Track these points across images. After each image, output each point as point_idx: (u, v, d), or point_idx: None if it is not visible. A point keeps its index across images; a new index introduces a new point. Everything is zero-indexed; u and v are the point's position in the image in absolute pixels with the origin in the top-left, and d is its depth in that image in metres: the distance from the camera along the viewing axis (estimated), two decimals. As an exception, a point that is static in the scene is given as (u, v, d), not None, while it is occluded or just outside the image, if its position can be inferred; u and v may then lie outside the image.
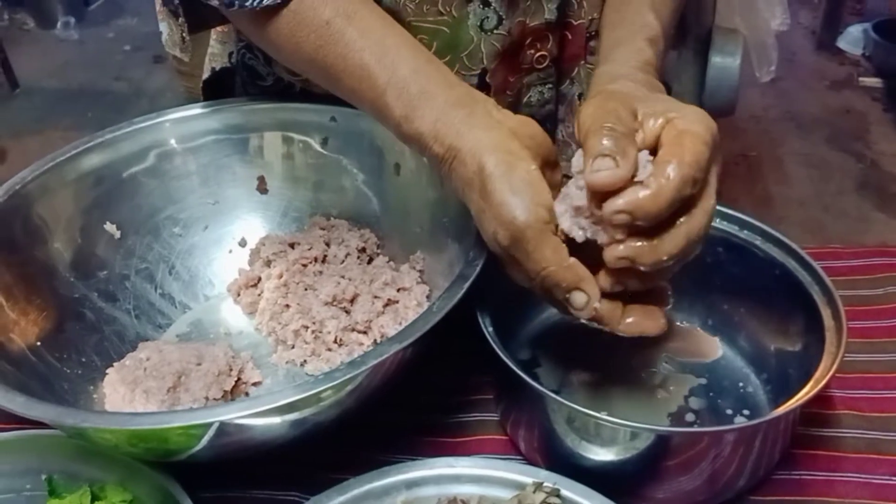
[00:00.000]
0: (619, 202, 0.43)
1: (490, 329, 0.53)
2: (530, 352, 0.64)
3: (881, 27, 2.56)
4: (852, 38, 2.73)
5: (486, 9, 0.62)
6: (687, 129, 0.45)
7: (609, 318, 0.48)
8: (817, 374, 0.49)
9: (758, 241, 0.59)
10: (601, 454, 0.50)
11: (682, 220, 0.45)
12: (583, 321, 0.49)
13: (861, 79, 2.62)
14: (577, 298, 0.46)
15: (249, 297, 0.68)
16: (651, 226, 0.44)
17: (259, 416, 0.47)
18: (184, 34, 0.62)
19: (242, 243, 0.72)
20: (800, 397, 0.48)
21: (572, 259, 0.46)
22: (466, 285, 0.50)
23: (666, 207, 0.43)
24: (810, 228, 1.99)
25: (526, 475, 0.50)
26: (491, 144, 0.48)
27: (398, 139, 0.53)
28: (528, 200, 0.46)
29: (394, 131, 0.52)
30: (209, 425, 0.46)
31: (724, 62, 1.57)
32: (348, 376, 0.46)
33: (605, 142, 0.44)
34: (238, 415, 0.46)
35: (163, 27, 0.66)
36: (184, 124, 0.68)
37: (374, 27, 0.53)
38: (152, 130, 0.67)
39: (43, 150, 0.66)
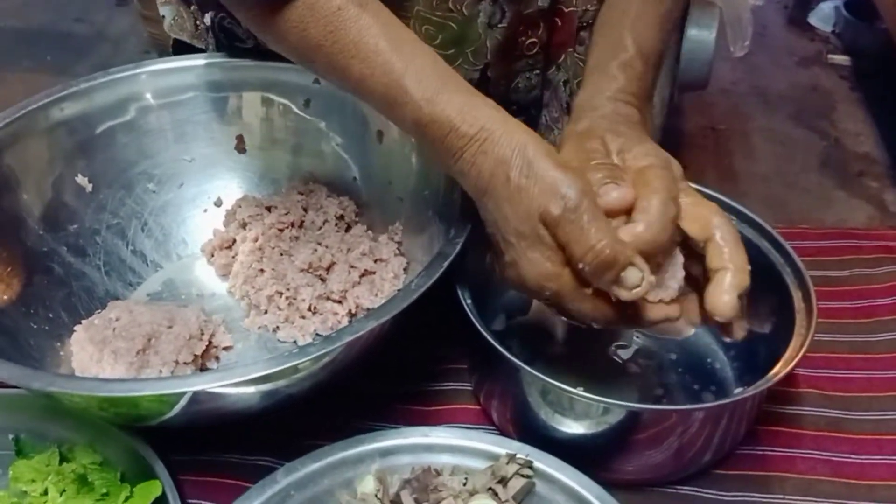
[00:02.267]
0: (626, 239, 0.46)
1: (468, 301, 0.53)
2: (504, 324, 0.64)
3: (852, 5, 2.58)
4: (823, 15, 2.75)
5: (494, 5, 0.62)
6: (646, 166, 0.48)
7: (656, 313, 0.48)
8: (786, 355, 0.51)
9: (732, 221, 0.60)
10: (573, 427, 0.51)
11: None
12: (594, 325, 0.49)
13: (830, 56, 2.64)
14: (632, 275, 0.45)
15: (223, 258, 0.67)
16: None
17: (232, 387, 0.47)
18: (197, 21, 0.60)
19: (218, 203, 0.70)
20: (768, 378, 0.49)
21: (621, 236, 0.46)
22: (446, 263, 0.50)
23: (665, 232, 0.46)
24: (772, 205, 2.02)
25: (499, 446, 0.51)
26: (526, 128, 0.47)
27: (409, 128, 0.50)
28: (577, 175, 0.46)
29: (409, 117, 0.49)
30: (182, 394, 0.46)
31: (699, 35, 1.57)
32: (324, 351, 0.46)
33: (599, 174, 0.47)
34: (211, 385, 0.45)
35: (164, 11, 0.65)
36: (161, 78, 0.66)
37: (388, 17, 0.50)
38: (128, 82, 0.66)
39: (1, 93, 0.64)
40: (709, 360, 0.61)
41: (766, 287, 0.57)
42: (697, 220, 0.48)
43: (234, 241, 0.67)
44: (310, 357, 0.46)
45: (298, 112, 0.69)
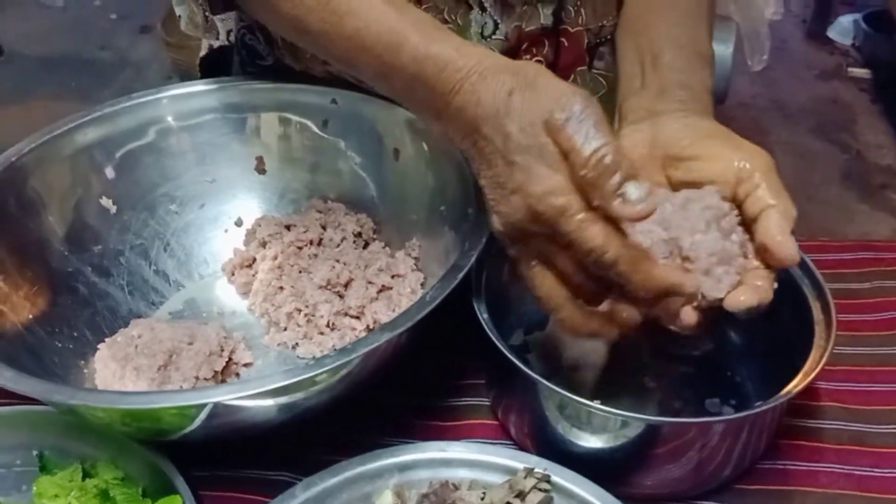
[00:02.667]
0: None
1: (485, 315, 0.53)
2: (522, 338, 0.64)
3: (872, 18, 2.57)
4: (842, 29, 2.74)
5: (484, 14, 0.62)
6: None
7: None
8: (806, 368, 0.50)
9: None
10: (591, 441, 0.51)
11: None
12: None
13: (850, 69, 2.63)
14: (634, 188, 0.42)
15: (244, 277, 0.68)
16: None
17: (252, 399, 0.47)
18: (206, 13, 0.62)
19: (239, 223, 0.71)
20: (788, 390, 0.49)
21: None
22: (461, 275, 0.51)
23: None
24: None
25: (517, 460, 0.51)
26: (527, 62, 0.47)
27: (405, 73, 0.49)
28: (583, 90, 0.45)
29: (406, 56, 0.48)
30: (202, 406, 0.47)
31: (717, 49, 1.57)
32: (339, 363, 0.47)
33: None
34: (231, 396, 0.46)
35: (180, 10, 0.66)
36: (182, 101, 0.68)
37: None
38: (150, 106, 0.67)
39: (25, 119, 0.66)
40: (728, 373, 0.61)
41: (785, 300, 0.57)
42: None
43: (255, 259, 0.68)
44: (326, 369, 0.47)
45: (317, 132, 0.70)
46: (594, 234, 0.44)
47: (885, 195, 2.26)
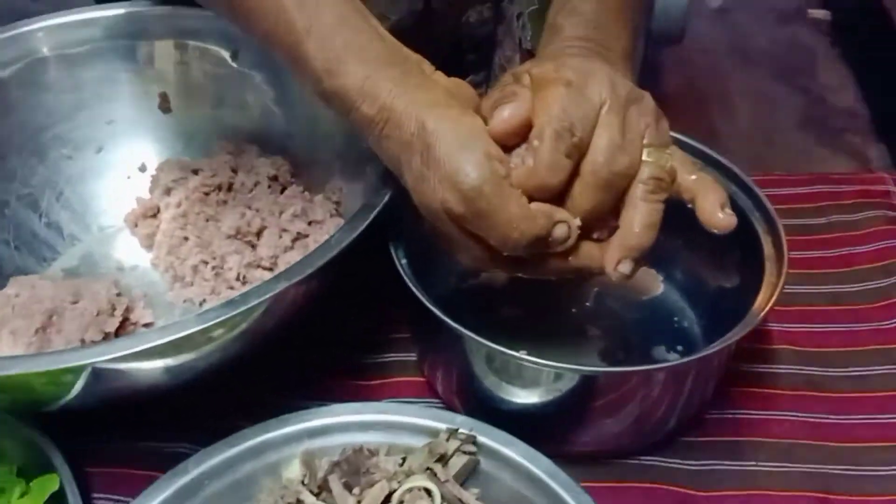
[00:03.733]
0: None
1: (404, 261, 0.48)
2: (454, 287, 0.59)
3: (831, -43, 2.51)
4: (802, -31, 2.68)
5: None
6: (543, 78, 0.42)
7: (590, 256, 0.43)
8: (755, 307, 0.46)
9: (697, 165, 0.54)
10: (522, 397, 0.46)
11: (586, 167, 0.41)
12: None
13: (810, 11, 2.58)
14: (560, 231, 0.41)
15: (147, 228, 0.61)
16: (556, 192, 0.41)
17: (135, 360, 0.41)
18: None
19: (142, 168, 0.64)
20: (735, 332, 0.44)
21: (533, 203, 0.41)
22: (371, 216, 0.45)
23: (552, 173, 0.40)
24: (754, 162, 1.97)
25: (440, 421, 0.45)
26: (430, 101, 0.41)
27: (317, 96, 0.45)
28: (479, 154, 0.39)
29: (312, 87, 0.44)
30: (78, 371, 0.41)
31: (672, -13, 1.51)
32: (231, 314, 0.41)
33: (492, 99, 0.43)
34: (107, 358, 0.40)
35: None
36: (63, 32, 0.60)
37: None
38: (26, 38, 0.59)
39: None
40: (675, 318, 0.56)
41: (734, 235, 0.52)
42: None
43: (159, 209, 0.61)
44: (215, 321, 0.41)
45: (227, 64, 0.62)
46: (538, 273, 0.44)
47: (844, 138, 2.24)
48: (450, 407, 0.51)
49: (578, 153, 0.41)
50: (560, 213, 0.41)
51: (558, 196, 0.41)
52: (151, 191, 0.63)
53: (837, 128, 2.31)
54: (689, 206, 0.44)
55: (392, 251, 0.48)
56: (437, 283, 0.58)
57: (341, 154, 0.60)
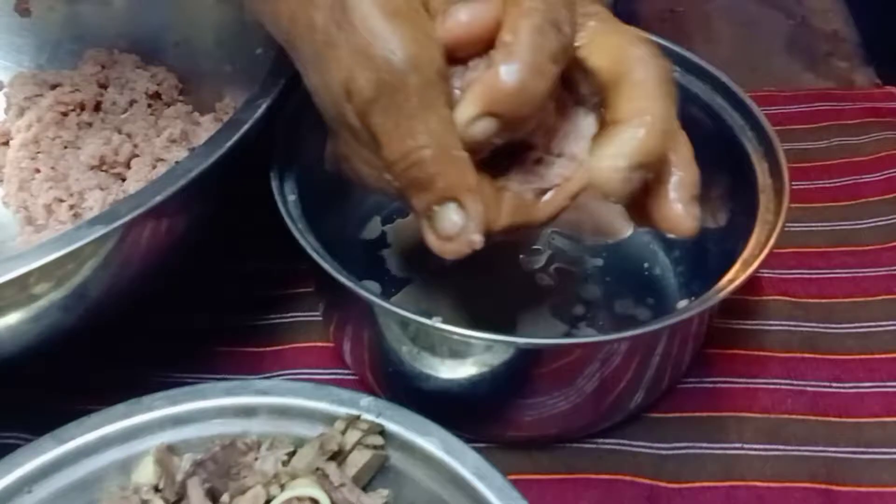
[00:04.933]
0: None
1: (292, 197, 0.37)
2: (379, 227, 0.48)
3: None
4: None
5: None
6: None
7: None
8: (747, 252, 0.35)
9: (675, 74, 0.43)
10: (447, 372, 0.36)
11: None
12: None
13: (796, -72, 2.44)
14: (448, 218, 0.29)
15: (0, 159, 0.50)
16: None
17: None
18: None
19: (-1, 86, 0.53)
20: (721, 287, 0.34)
21: (462, 152, 0.29)
22: (236, 136, 0.34)
23: (533, 81, 0.28)
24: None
25: (340, 404, 0.35)
26: None
27: None
28: (416, 30, 0.28)
29: None
30: None
31: None
32: (53, 257, 0.30)
33: None
34: None
35: None
36: None
37: None
38: None
39: None
40: (645, 265, 0.46)
41: (720, 160, 0.41)
42: (605, 52, 0.31)
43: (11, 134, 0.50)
44: (24, 271, 0.30)
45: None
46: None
47: (830, 63, 2.13)
48: (361, 382, 0.41)
49: (564, 62, 0.29)
50: (471, 198, 0.29)
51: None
52: (7, 112, 0.51)
53: (823, 52, 2.20)
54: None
55: (274, 183, 0.36)
56: (352, 222, 0.48)
57: (236, 61, 0.48)
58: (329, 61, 0.29)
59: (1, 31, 0.52)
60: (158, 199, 0.31)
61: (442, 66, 0.29)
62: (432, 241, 0.30)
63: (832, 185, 0.51)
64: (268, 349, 0.43)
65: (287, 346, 0.43)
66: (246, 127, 0.34)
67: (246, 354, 0.42)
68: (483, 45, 0.29)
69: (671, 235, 0.32)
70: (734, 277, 0.34)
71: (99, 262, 0.33)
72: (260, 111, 0.35)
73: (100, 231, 0.31)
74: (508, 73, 0.27)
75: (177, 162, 0.42)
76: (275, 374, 0.41)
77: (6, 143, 0.50)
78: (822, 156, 0.53)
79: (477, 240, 0.29)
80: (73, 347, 0.37)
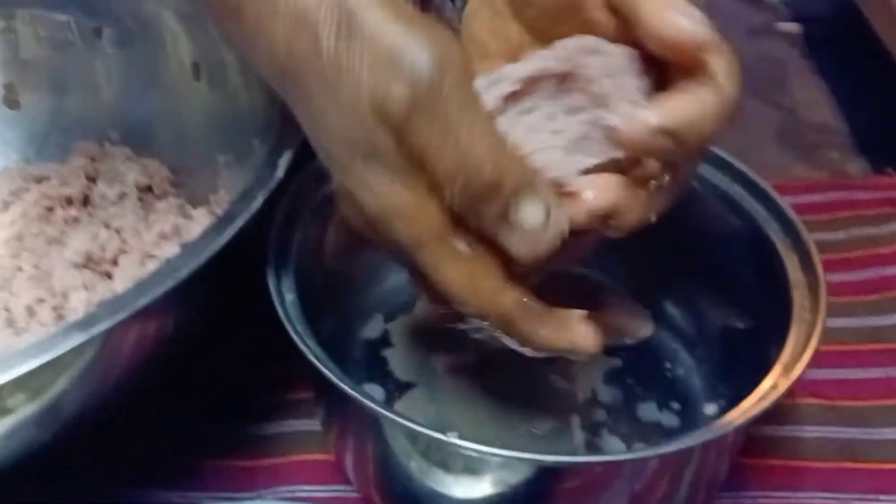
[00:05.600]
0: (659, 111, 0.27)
1: (290, 296, 0.34)
2: (381, 325, 0.45)
3: (800, -31, 2.45)
4: (770, -18, 2.63)
5: None
6: None
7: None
8: (786, 354, 0.32)
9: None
10: (460, 492, 0.32)
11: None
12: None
13: (778, 24, 2.52)
14: (530, 211, 0.26)
15: (-19, 256, 0.47)
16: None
17: None
18: None
19: (-16, 180, 0.50)
20: (764, 394, 0.31)
21: (510, 145, 0.27)
22: (231, 232, 0.31)
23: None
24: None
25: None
26: None
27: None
28: (436, 32, 0.26)
29: None
30: None
31: None
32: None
33: None
34: None
35: None
36: None
37: None
38: None
39: None
40: (667, 364, 0.43)
41: (744, 254, 0.39)
42: None
43: (-5, 229, 0.47)
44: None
45: (86, 40, 0.49)
46: (454, 279, 0.28)
47: (821, 153, 2.15)
48: (366, 501, 0.37)
49: None
50: (543, 186, 0.27)
51: None
52: (-8, 207, 0.49)
53: (813, 143, 2.24)
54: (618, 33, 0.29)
55: (271, 281, 0.34)
56: (356, 320, 0.45)
57: (230, 151, 0.46)
58: (345, 85, 0.26)
59: (-8, 124, 0.50)
60: (143, 301, 0.28)
61: (468, 65, 0.26)
62: (520, 246, 0.27)
63: (855, 278, 0.49)
64: (261, 462, 0.39)
65: (282, 460, 0.39)
66: (241, 222, 0.31)
67: (236, 469, 0.38)
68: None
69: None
70: (776, 384, 0.31)
71: (76, 373, 0.30)
72: (255, 204, 0.32)
73: (78, 339, 0.28)
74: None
75: (168, 259, 0.39)
76: (269, 491, 0.37)
77: (-11, 240, 0.47)
78: (842, 247, 0.51)
79: (566, 223, 0.27)
80: (37, 464, 0.33)
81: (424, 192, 0.27)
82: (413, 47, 0.25)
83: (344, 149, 0.27)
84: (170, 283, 0.29)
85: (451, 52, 0.26)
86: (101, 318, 0.29)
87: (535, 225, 0.26)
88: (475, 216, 0.27)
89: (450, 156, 0.25)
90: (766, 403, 0.30)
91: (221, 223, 0.31)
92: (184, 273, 0.29)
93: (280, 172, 0.34)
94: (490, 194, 0.26)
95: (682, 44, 0.27)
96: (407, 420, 0.29)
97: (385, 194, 0.27)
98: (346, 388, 0.30)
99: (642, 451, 0.30)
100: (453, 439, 0.28)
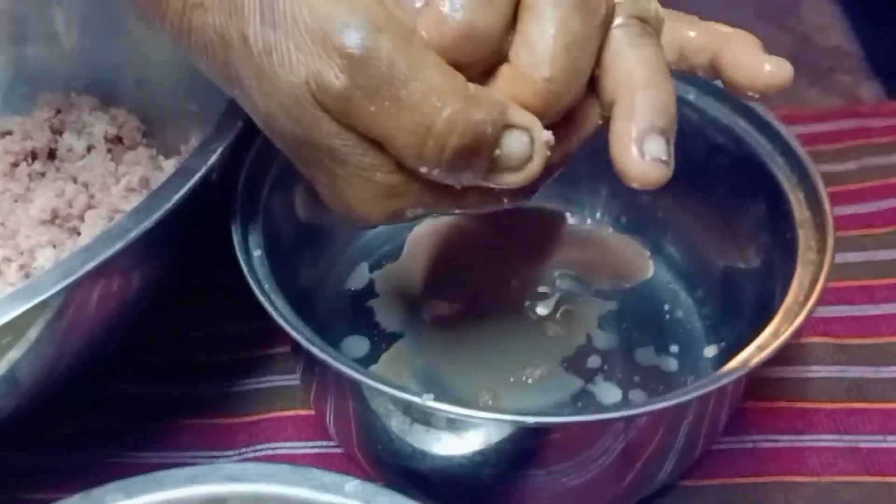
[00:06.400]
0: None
1: (257, 252, 0.32)
2: (367, 274, 0.43)
3: None
4: None
5: None
6: None
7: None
8: (790, 298, 0.30)
9: (691, 96, 0.39)
10: (443, 450, 0.30)
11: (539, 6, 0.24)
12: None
13: (792, -55, 2.42)
14: (515, 144, 0.24)
15: (-53, 215, 0.45)
16: None
17: None
18: None
19: (-53, 135, 0.48)
20: (765, 343, 0.28)
21: (473, 85, 0.24)
22: (188, 186, 0.29)
23: (483, 10, 0.24)
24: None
25: (324, 491, 0.30)
26: None
27: None
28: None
29: None
30: None
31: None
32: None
33: None
34: None
35: None
36: None
37: None
38: None
39: None
40: (666, 307, 0.41)
41: (747, 191, 0.37)
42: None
43: (-40, 187, 0.45)
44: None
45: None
46: (473, 205, 0.27)
47: (834, 77, 2.09)
48: (349, 458, 0.35)
49: None
50: (515, 111, 0.24)
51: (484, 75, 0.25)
52: (-44, 164, 0.47)
53: (826, 67, 2.17)
54: (705, 73, 0.28)
55: (235, 238, 0.31)
56: (339, 270, 0.43)
57: (201, 100, 0.43)
58: (276, 70, 0.24)
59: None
60: (91, 266, 0.26)
61: (407, 19, 0.24)
62: (512, 178, 0.25)
63: (867, 210, 0.46)
64: (241, 420, 0.37)
65: (263, 416, 0.37)
66: (198, 175, 0.29)
67: (216, 427, 0.37)
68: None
69: (633, 185, 0.24)
70: (778, 329, 0.29)
71: (36, 336, 0.29)
72: (214, 157, 0.30)
73: (31, 302, 0.27)
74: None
75: (124, 213, 0.37)
76: (250, 449, 0.36)
77: (-46, 197, 0.45)
78: (855, 178, 0.48)
79: (549, 134, 0.24)
80: (11, 429, 0.32)
81: (394, 165, 0.25)
82: (339, 15, 0.23)
83: (289, 138, 0.26)
84: (117, 246, 0.27)
85: (381, 9, 0.23)
86: (53, 281, 0.27)
87: (523, 154, 0.24)
88: (458, 178, 0.25)
89: (411, 122, 0.23)
90: (768, 352, 0.28)
91: (177, 177, 0.29)
92: (133, 234, 0.27)
93: (241, 122, 0.32)
94: (473, 151, 0.24)
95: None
96: (383, 385, 0.27)
97: (358, 183, 0.25)
98: (316, 351, 0.28)
99: (627, 410, 0.28)
100: (430, 402, 0.26)
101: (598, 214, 0.44)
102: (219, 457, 0.36)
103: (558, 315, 0.41)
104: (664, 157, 0.24)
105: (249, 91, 0.25)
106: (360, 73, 0.23)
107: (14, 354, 0.28)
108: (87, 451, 0.35)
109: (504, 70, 0.25)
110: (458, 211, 0.27)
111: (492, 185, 0.25)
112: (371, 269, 0.43)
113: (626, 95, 0.25)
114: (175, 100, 0.45)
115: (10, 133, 0.45)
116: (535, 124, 0.24)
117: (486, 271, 0.42)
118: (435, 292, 0.42)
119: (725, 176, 0.38)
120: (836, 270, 0.42)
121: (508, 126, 0.24)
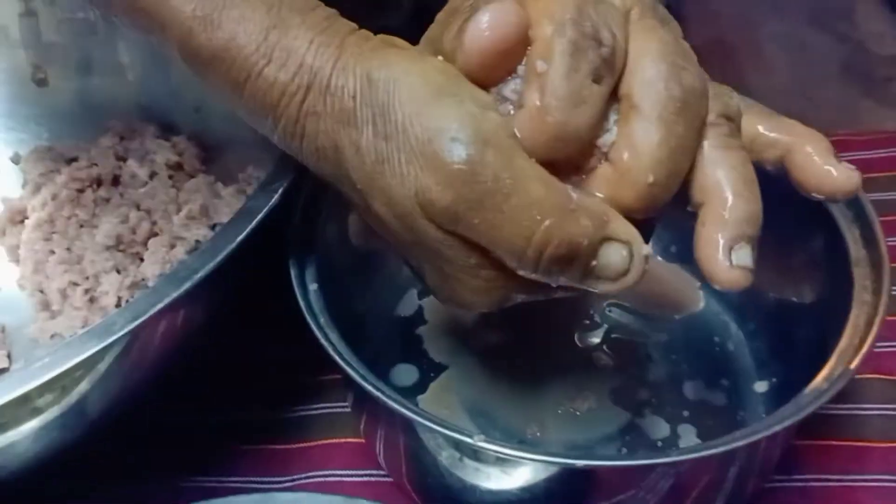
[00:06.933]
0: None
1: (313, 286, 0.32)
2: (415, 301, 0.44)
3: None
4: None
5: None
6: None
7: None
8: (844, 342, 0.30)
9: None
10: (493, 486, 0.31)
11: (637, 97, 0.25)
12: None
13: (847, -49, 2.37)
14: (614, 260, 0.25)
15: (15, 238, 0.47)
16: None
17: None
18: None
19: (16, 160, 0.50)
20: (819, 390, 0.28)
21: (573, 194, 0.25)
22: (250, 227, 0.30)
23: (574, 109, 0.24)
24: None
25: (373, 522, 0.31)
26: (370, 48, 0.26)
27: (184, 62, 0.29)
28: (468, 103, 0.25)
29: (176, 50, 0.28)
30: None
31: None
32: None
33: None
34: None
35: None
36: None
37: None
38: None
39: None
40: (716, 339, 0.41)
41: (801, 225, 0.36)
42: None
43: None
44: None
45: (107, 19, 0.48)
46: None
47: (890, 88, 2.04)
48: (398, 488, 0.36)
49: (611, 76, 0.25)
50: (618, 224, 0.25)
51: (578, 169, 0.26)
52: (24, 188, 0.49)
53: (882, 77, 2.11)
54: (771, 168, 0.29)
55: (293, 272, 0.32)
56: (388, 300, 0.43)
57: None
58: (387, 180, 0.25)
59: (18, 101, 0.50)
60: (159, 307, 0.27)
61: (503, 123, 0.25)
62: (608, 287, 0.26)
63: (923, 241, 0.45)
64: (294, 446, 0.38)
65: (315, 443, 0.38)
66: (259, 217, 0.30)
67: (271, 452, 0.38)
68: (511, 63, 0.25)
69: (717, 287, 0.26)
70: (832, 373, 0.28)
71: (105, 369, 0.30)
72: (276, 197, 0.31)
73: (101, 343, 0.28)
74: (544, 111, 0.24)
75: (196, 241, 0.38)
76: (302, 476, 0.37)
77: (22, 222, 0.47)
78: (906, 207, 0.47)
79: (648, 248, 0.26)
80: (76, 459, 0.33)
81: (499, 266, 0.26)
82: (446, 129, 0.24)
83: (414, 248, 0.27)
84: (185, 287, 0.28)
85: (487, 119, 0.24)
86: (126, 321, 0.28)
87: (620, 268, 0.25)
88: (556, 281, 0.26)
89: (515, 234, 0.24)
90: (823, 399, 0.27)
91: (239, 218, 0.30)
92: (199, 275, 0.28)
93: (277, 195, 0.32)
94: (568, 260, 0.24)
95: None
96: (432, 421, 0.28)
97: (464, 280, 0.27)
98: (370, 387, 0.28)
99: (678, 455, 0.28)
100: (480, 442, 0.26)
101: (651, 244, 0.44)
102: (272, 482, 0.37)
103: (607, 346, 0.41)
104: (751, 266, 0.25)
105: (362, 194, 0.27)
106: (467, 188, 0.24)
107: (84, 387, 0.30)
108: (150, 481, 0.37)
109: (605, 170, 0.25)
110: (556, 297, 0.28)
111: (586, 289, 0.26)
112: (420, 296, 0.44)
113: (717, 202, 0.25)
114: (232, 126, 0.46)
115: (75, 159, 0.47)
116: (637, 239, 0.25)
117: (535, 301, 0.42)
118: (484, 320, 0.42)
119: (780, 209, 0.37)
120: (890, 304, 0.42)
121: (608, 239, 0.24)
